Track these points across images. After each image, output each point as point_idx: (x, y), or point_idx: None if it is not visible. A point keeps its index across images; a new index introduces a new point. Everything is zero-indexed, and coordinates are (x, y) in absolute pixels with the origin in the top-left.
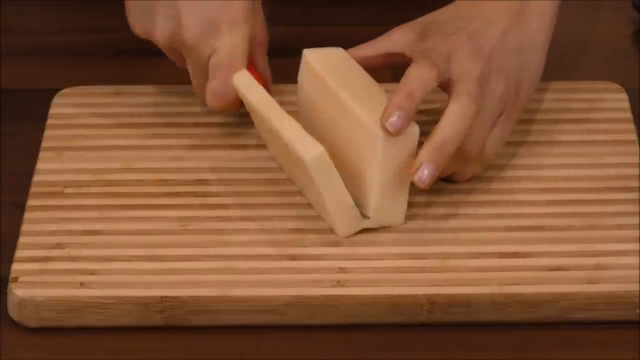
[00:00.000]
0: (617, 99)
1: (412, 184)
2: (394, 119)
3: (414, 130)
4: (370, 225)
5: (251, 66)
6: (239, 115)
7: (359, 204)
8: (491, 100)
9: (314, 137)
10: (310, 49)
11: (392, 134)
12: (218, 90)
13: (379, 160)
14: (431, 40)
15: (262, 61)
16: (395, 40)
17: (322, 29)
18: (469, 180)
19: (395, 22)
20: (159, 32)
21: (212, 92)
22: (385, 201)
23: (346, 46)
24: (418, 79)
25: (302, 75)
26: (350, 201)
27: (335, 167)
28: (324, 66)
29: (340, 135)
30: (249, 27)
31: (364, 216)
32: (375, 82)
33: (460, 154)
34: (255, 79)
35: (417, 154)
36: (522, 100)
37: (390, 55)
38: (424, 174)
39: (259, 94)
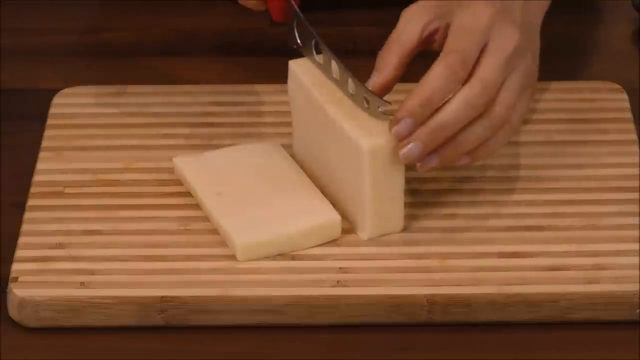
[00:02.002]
0: (617, 99)
1: (407, 190)
2: (401, 127)
3: None
4: (369, 236)
5: None
6: (238, 115)
7: (355, 217)
8: (525, 73)
9: (307, 150)
10: (296, 59)
11: (396, 139)
12: None
13: (367, 173)
14: (471, 3)
15: None
16: (417, 27)
17: (322, 29)
18: (488, 156)
19: (393, 22)
20: None
21: None
22: (380, 212)
23: (346, 46)
24: (441, 81)
25: (291, 86)
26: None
27: (327, 180)
28: (310, 77)
29: (329, 147)
30: None
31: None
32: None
33: (488, 119)
34: None
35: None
36: (536, 76)
37: (423, 41)
38: (410, 152)
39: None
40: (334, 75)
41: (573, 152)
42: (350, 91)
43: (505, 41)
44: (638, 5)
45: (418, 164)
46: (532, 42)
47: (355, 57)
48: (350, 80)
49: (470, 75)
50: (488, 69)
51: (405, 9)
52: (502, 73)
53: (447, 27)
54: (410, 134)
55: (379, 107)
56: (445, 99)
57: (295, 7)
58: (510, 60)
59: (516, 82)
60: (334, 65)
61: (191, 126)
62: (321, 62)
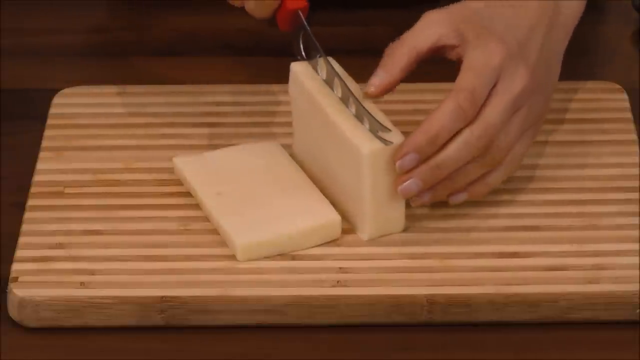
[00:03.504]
0: (617, 99)
1: None
2: (406, 162)
3: (400, 141)
4: (370, 237)
5: None
6: (238, 115)
7: (355, 218)
8: (530, 113)
9: (307, 150)
10: (298, 61)
11: (398, 172)
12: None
13: (367, 177)
14: (484, 41)
15: None
16: (430, 35)
17: (322, 29)
18: (486, 193)
19: (393, 22)
20: None
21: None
22: (380, 214)
23: (345, 46)
24: (449, 119)
25: (292, 88)
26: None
27: (327, 180)
28: (312, 79)
29: (330, 149)
30: None
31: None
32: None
33: (483, 159)
34: None
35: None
36: (545, 113)
37: (435, 49)
38: (409, 188)
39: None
40: (336, 93)
41: (573, 152)
42: (352, 111)
43: (513, 83)
44: (638, 6)
45: (411, 200)
46: (545, 80)
47: (365, 57)
48: (351, 100)
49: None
50: (493, 111)
51: (428, 12)
52: (506, 115)
53: (459, 49)
54: (413, 168)
55: (378, 132)
56: (450, 135)
57: (303, 19)
58: (516, 102)
59: (518, 123)
60: (336, 82)
61: (191, 126)
62: (324, 77)
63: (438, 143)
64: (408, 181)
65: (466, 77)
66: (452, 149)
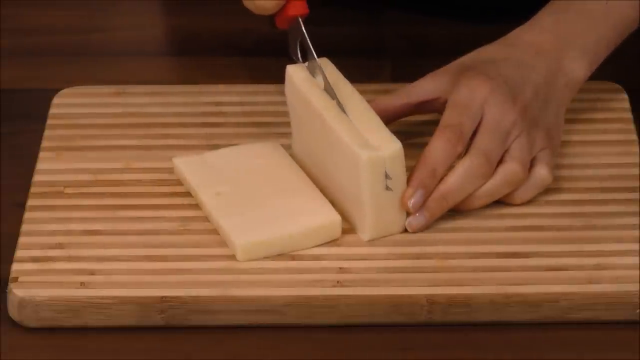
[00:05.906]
0: (617, 99)
1: None
2: (415, 199)
3: (398, 148)
4: (370, 238)
5: None
6: (238, 115)
7: (355, 220)
8: (532, 139)
9: (305, 151)
10: (294, 64)
11: (412, 212)
12: None
13: (366, 182)
14: (467, 81)
15: None
16: (427, 87)
17: (322, 29)
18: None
19: (392, 22)
20: None
21: None
22: (380, 216)
23: (344, 46)
24: (442, 153)
25: (288, 90)
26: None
27: (327, 181)
28: (308, 83)
29: (327, 152)
30: None
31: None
32: (361, 96)
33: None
34: None
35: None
36: (556, 141)
37: (423, 102)
38: (415, 221)
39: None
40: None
41: (573, 152)
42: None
43: (498, 111)
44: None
45: (408, 225)
46: (541, 115)
47: (364, 58)
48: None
49: (472, 143)
50: (485, 138)
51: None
52: (499, 140)
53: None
54: (423, 203)
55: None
56: (448, 168)
57: (302, 26)
58: (506, 128)
59: (525, 144)
60: (332, 90)
61: (191, 126)
62: (321, 80)
63: (438, 176)
64: (417, 215)
65: (451, 113)
66: (456, 176)
